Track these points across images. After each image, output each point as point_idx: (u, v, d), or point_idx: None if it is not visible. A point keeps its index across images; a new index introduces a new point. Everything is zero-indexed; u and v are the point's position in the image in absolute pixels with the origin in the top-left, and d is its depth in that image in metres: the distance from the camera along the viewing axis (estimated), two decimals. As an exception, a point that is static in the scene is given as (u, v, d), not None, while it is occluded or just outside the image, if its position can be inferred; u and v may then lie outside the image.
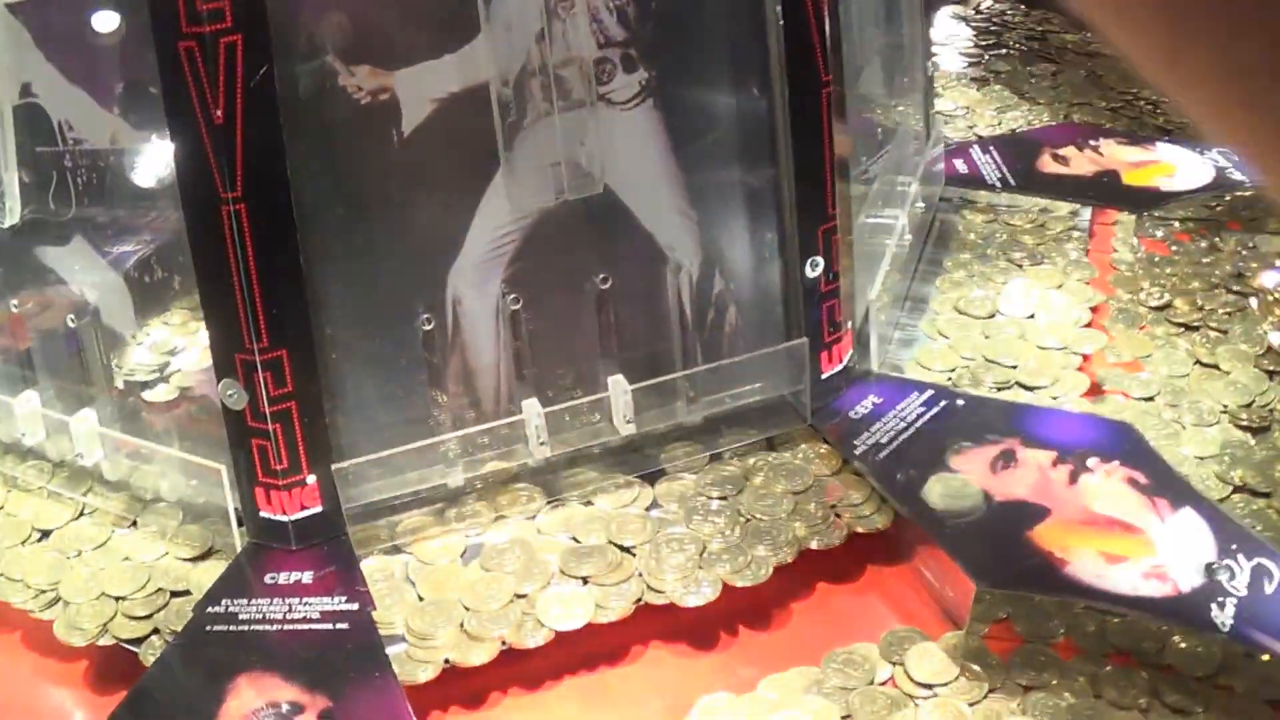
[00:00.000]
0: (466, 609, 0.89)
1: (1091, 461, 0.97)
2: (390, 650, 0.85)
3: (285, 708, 0.82)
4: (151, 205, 0.93)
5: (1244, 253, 1.27)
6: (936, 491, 0.95)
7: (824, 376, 1.01)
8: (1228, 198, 1.35)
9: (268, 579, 0.90)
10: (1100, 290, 1.23)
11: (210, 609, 0.88)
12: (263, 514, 0.91)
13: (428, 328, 0.92)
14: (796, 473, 0.99)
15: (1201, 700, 0.87)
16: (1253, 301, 1.20)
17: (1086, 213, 1.33)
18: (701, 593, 0.90)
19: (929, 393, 1.03)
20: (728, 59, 0.95)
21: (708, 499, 0.97)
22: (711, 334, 0.99)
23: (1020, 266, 1.27)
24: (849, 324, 1.01)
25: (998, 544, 0.91)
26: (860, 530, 0.95)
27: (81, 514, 0.99)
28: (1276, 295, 1.20)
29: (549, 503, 0.96)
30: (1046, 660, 0.90)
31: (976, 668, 0.89)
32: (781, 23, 0.92)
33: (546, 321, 0.95)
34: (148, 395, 1.01)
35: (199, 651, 0.86)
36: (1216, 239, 1.30)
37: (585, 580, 0.91)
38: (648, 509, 0.96)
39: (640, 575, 0.91)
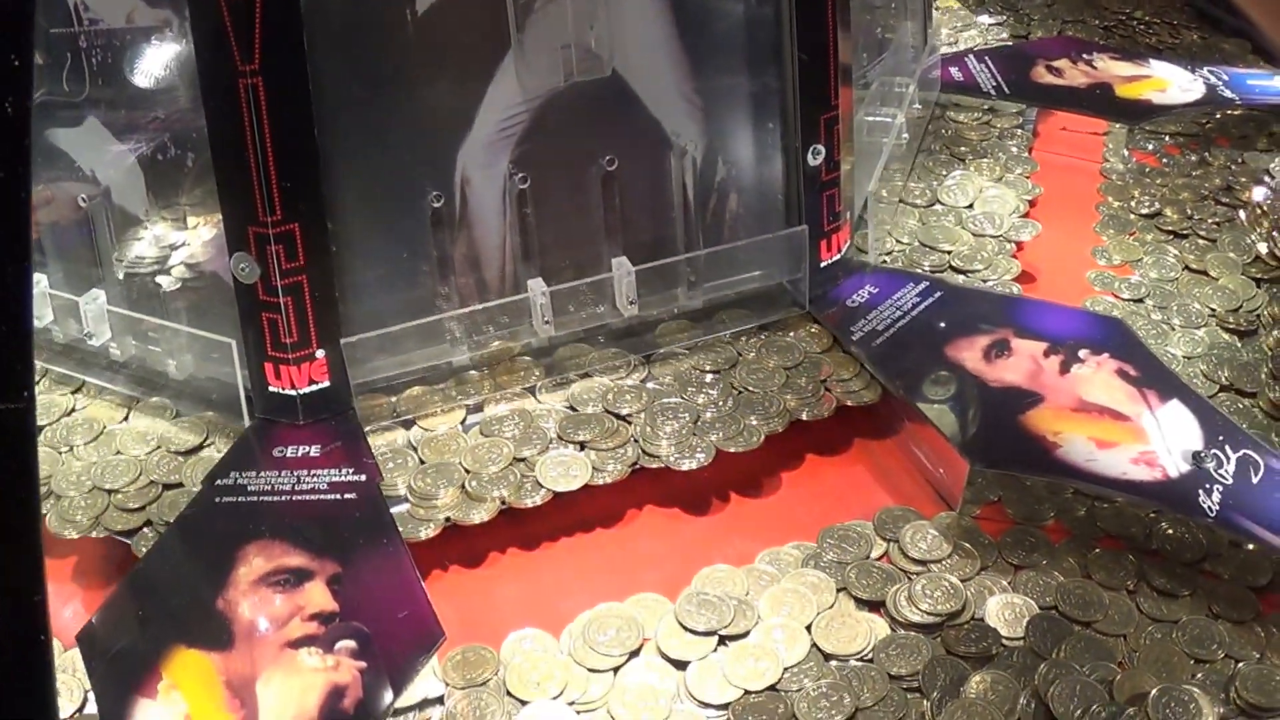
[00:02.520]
0: (467, 471, 0.92)
1: (1083, 353, 1.00)
2: (394, 509, 0.88)
3: (294, 573, 0.84)
4: (167, 83, 0.95)
5: (1233, 168, 1.31)
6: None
7: (823, 265, 1.04)
8: (1218, 115, 1.38)
9: (276, 452, 0.93)
10: (1041, 184, 1.27)
11: (220, 481, 0.91)
12: (271, 389, 0.94)
13: (436, 206, 0.95)
14: (788, 350, 1.02)
15: (1187, 584, 0.91)
16: (1241, 214, 1.24)
17: (1032, 114, 1.38)
18: (696, 458, 0.94)
19: (925, 284, 1.06)
20: (737, -53, 0.98)
21: (701, 373, 1.01)
22: (714, 219, 1.02)
23: (963, 161, 1.31)
24: (848, 215, 1.05)
25: (991, 427, 0.94)
26: (849, 404, 0.99)
27: (73, 410, 1.02)
28: (1264, 208, 1.24)
29: (550, 380, 1.00)
30: (1036, 541, 0.94)
31: (968, 546, 0.93)
32: (788, -88, 0.95)
33: (552, 202, 0.98)
34: (160, 279, 1.03)
35: (209, 522, 0.89)
36: (1206, 154, 1.33)
37: (582, 445, 0.94)
38: (643, 381, 1.00)
39: (636, 441, 0.95)
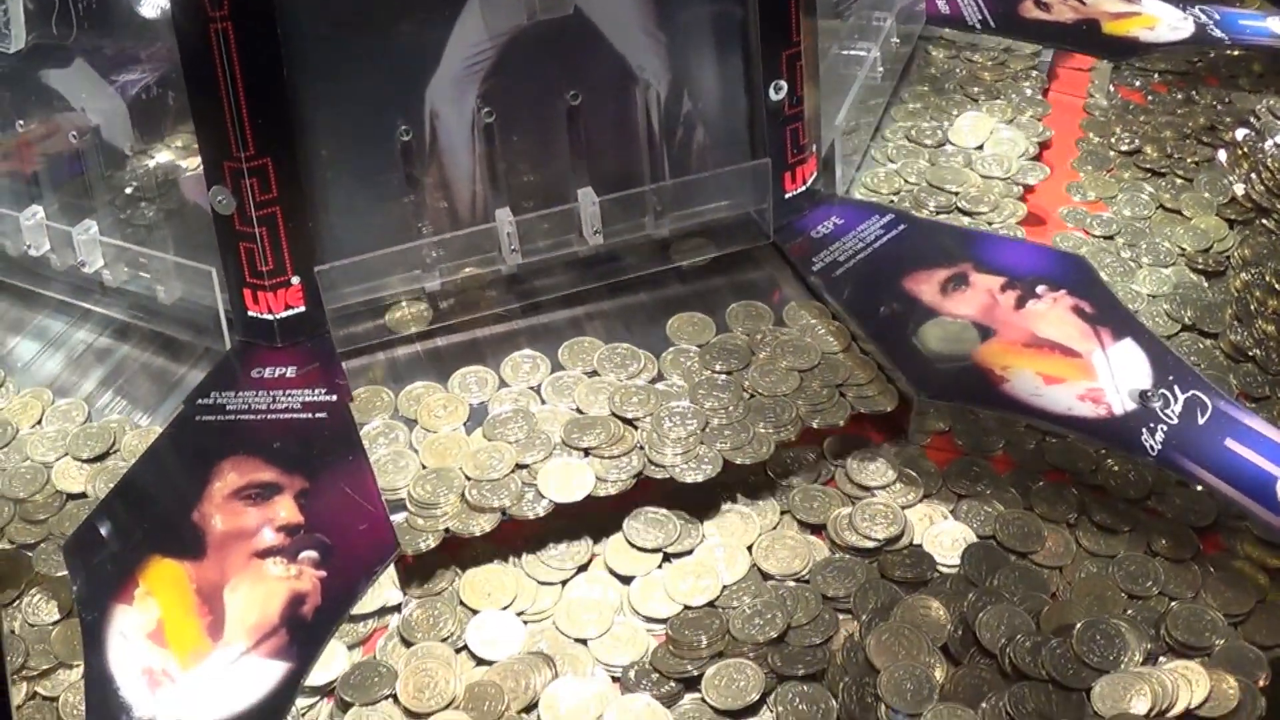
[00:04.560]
0: (468, 479, 0.94)
1: (1040, 289, 1.03)
2: (393, 517, 0.90)
3: (265, 488, 0.90)
4: (147, 27, 1.01)
5: (1219, 108, 1.33)
6: (934, 336, 1.01)
7: (787, 196, 1.08)
8: (1211, 54, 1.40)
9: (254, 374, 0.98)
10: (1053, 127, 1.29)
11: (200, 401, 0.97)
12: (250, 313, 1.00)
13: (406, 139, 1.00)
14: (803, 351, 1.03)
15: (1128, 521, 0.95)
16: (1221, 154, 1.26)
17: (1049, 55, 1.40)
18: (703, 469, 0.94)
19: (889, 216, 1.10)
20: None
21: (713, 374, 1.01)
22: (680, 152, 1.06)
23: (975, 101, 1.34)
24: (814, 148, 1.08)
25: (940, 359, 0.98)
26: (863, 410, 0.99)
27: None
28: (1246, 149, 1.25)
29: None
30: (981, 472, 0.98)
31: (913, 474, 0.97)
32: None
33: (519, 135, 1.02)
34: (150, 212, 1.09)
35: (188, 439, 0.95)
36: (1194, 92, 1.36)
37: (586, 452, 0.95)
38: (652, 381, 1.01)
39: (642, 448, 0.95)
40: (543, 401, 0.99)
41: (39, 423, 1.03)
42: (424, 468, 0.95)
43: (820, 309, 1.05)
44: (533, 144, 1.03)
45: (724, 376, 1.01)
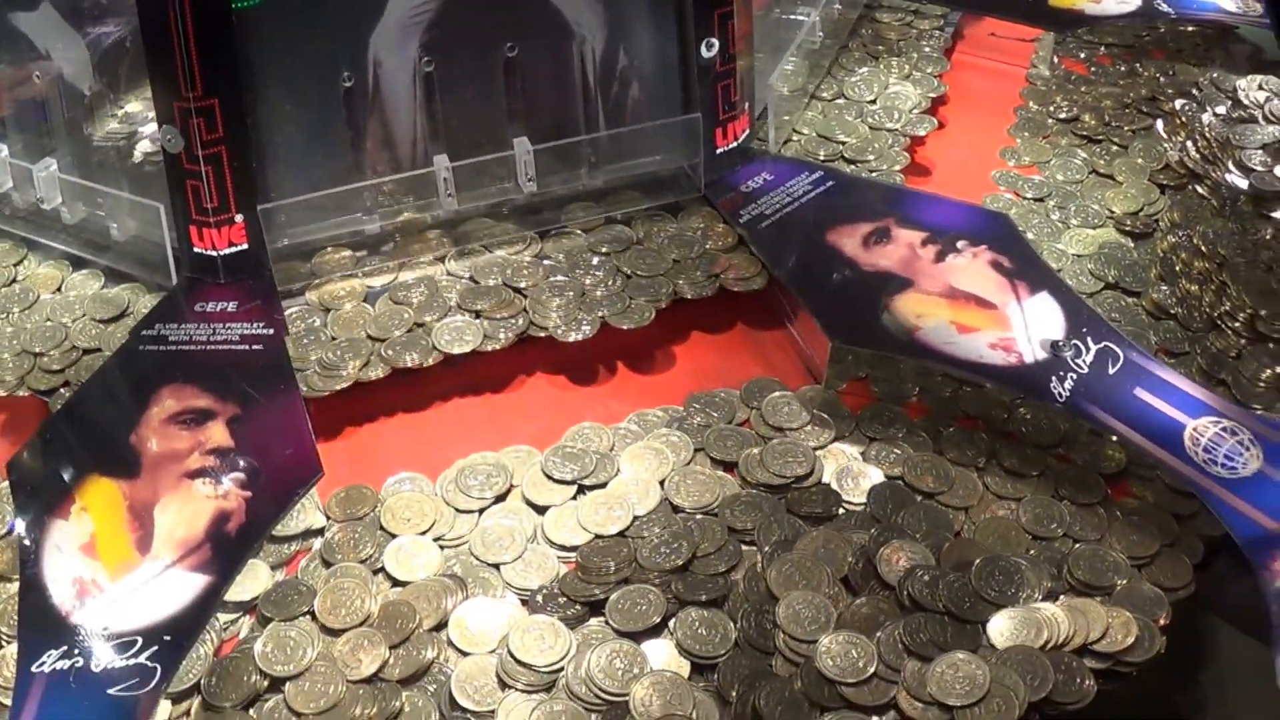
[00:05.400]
0: (371, 338, 1.01)
1: (961, 244, 1.07)
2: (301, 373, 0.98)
3: (199, 413, 0.94)
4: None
5: (1162, 80, 1.36)
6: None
7: (719, 151, 1.12)
8: (1161, 29, 1.43)
9: (197, 307, 1.03)
10: (993, 95, 1.33)
11: (144, 332, 1.01)
12: (196, 250, 1.04)
13: (348, 85, 1.04)
14: (688, 243, 1.09)
15: (1037, 466, 0.98)
16: (1159, 123, 1.29)
17: (955, 17, 1.43)
18: (581, 330, 1.02)
19: (819, 173, 1.13)
20: None
21: (592, 254, 1.09)
22: (615, 106, 1.10)
23: (876, 58, 1.38)
24: (746, 105, 1.12)
25: (857, 307, 1.02)
26: (737, 289, 1.06)
27: (14, 281, 1.11)
28: (1184, 119, 1.28)
29: (457, 250, 1.08)
30: (894, 417, 1.02)
31: (826, 416, 1.01)
32: None
33: (459, 85, 1.06)
34: (112, 144, 1.14)
35: (131, 367, 0.99)
36: (1137, 65, 1.39)
37: (478, 314, 1.03)
38: (538, 257, 1.08)
39: (526, 312, 1.03)
40: (447, 273, 1.07)
41: (59, 290, 1.10)
42: (333, 339, 1.02)
43: (713, 214, 1.11)
44: (471, 94, 1.07)
45: (600, 257, 1.08)
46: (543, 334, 1.02)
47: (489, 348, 1.01)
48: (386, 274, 1.07)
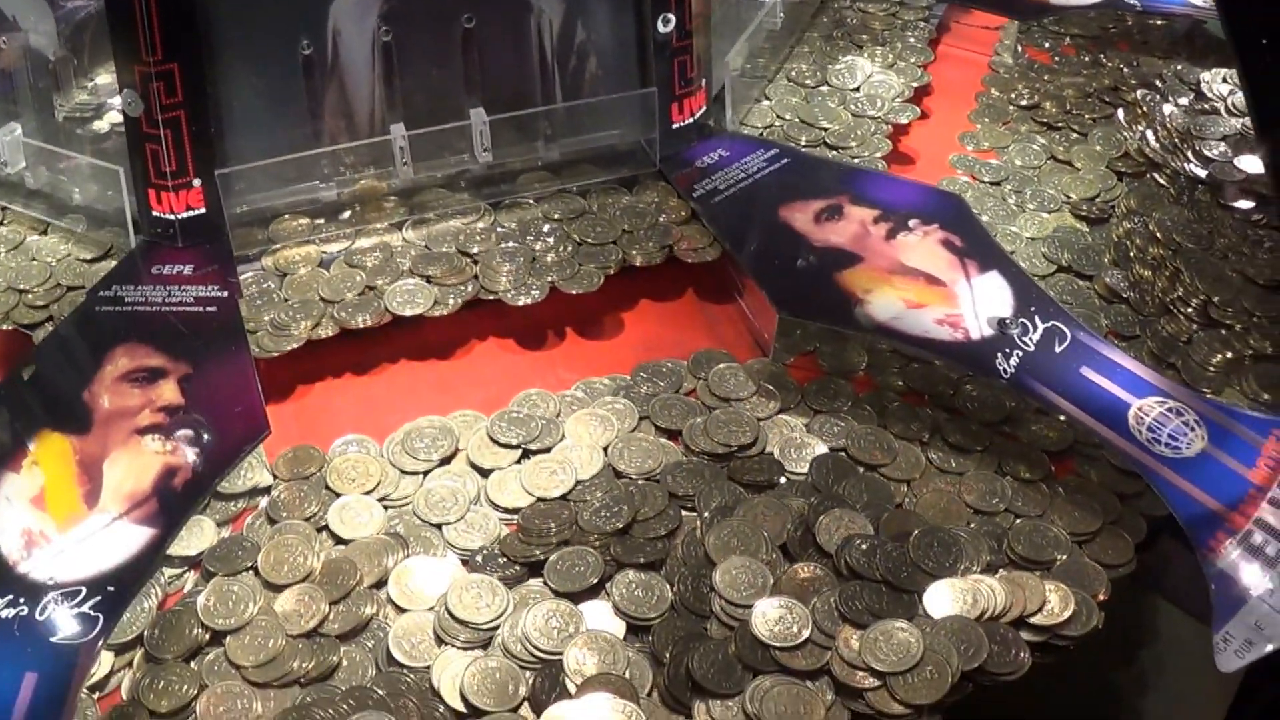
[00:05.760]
0: (323, 300, 1.03)
1: (913, 222, 1.09)
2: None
3: (151, 372, 0.97)
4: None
5: (1125, 71, 1.38)
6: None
7: (675, 126, 1.14)
8: (1129, 21, 1.45)
9: (154, 270, 1.05)
10: (955, 81, 1.35)
11: (102, 293, 1.04)
12: (154, 213, 1.06)
13: (307, 53, 1.06)
14: (640, 214, 1.12)
15: (981, 442, 1.00)
16: (1120, 111, 1.31)
17: (941, 9, 1.45)
18: (530, 294, 1.04)
19: (774, 150, 1.16)
20: None
21: (545, 221, 1.11)
22: (572, 80, 1.12)
23: (860, 48, 1.39)
24: (702, 82, 1.14)
25: (805, 281, 1.05)
26: (690, 260, 1.08)
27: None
28: (1145, 108, 1.30)
29: (414, 219, 1.10)
30: (840, 390, 1.04)
31: (772, 388, 1.03)
32: None
33: (417, 56, 1.08)
34: (86, 129, 1.16)
35: (88, 327, 1.02)
36: (1102, 56, 1.41)
37: (429, 279, 1.05)
38: (491, 225, 1.10)
39: (477, 278, 1.06)
40: (403, 239, 1.10)
41: (44, 232, 1.13)
42: (286, 300, 1.04)
43: (668, 189, 1.13)
44: (429, 64, 1.09)
45: (550, 224, 1.11)
46: (492, 298, 1.04)
47: (439, 312, 1.03)
48: (343, 240, 1.09)
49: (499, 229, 1.10)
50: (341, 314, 1.03)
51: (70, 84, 1.17)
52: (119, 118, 1.12)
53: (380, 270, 1.06)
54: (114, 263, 1.08)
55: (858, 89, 1.33)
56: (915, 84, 1.33)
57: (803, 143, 1.23)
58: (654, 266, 1.08)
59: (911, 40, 1.41)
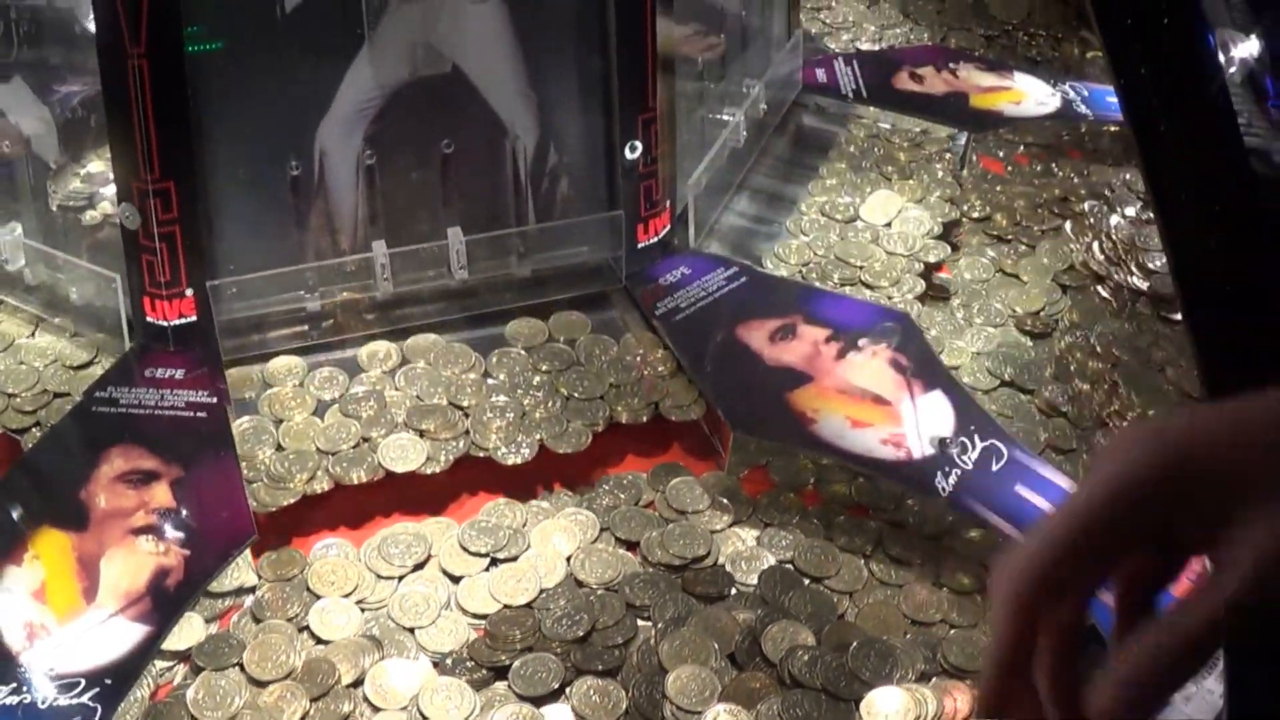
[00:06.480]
0: (319, 450, 1.13)
1: (862, 342, 1.20)
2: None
3: (145, 474, 1.08)
4: (77, 56, 1.20)
5: (1076, 180, 1.49)
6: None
7: (640, 246, 1.25)
8: (1083, 128, 1.56)
9: (147, 373, 1.16)
10: (955, 209, 1.43)
11: (97, 394, 1.14)
12: (148, 319, 1.17)
13: (295, 173, 1.17)
14: (627, 368, 1.21)
15: (921, 555, 1.11)
16: (1068, 224, 1.42)
17: (962, 137, 1.53)
18: (520, 453, 1.14)
19: (734, 269, 1.27)
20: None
21: (532, 373, 1.20)
22: (544, 201, 1.24)
23: (889, 179, 1.48)
24: (667, 203, 1.26)
25: (758, 400, 1.16)
26: (675, 419, 1.18)
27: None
28: (1092, 219, 1.42)
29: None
30: (790, 504, 1.14)
31: (726, 502, 1.14)
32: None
33: (399, 177, 1.20)
34: (79, 218, 1.27)
35: (83, 427, 1.13)
36: (1053, 165, 1.51)
37: (422, 433, 1.15)
38: (483, 375, 1.20)
39: (468, 433, 1.15)
40: (396, 388, 1.19)
41: (33, 335, 1.24)
42: (281, 449, 1.13)
43: (654, 340, 1.22)
44: (410, 185, 1.20)
45: (541, 375, 1.20)
46: (483, 454, 1.13)
47: (431, 469, 1.12)
48: (332, 364, 1.20)
49: (489, 380, 1.19)
50: (337, 469, 1.11)
51: (66, 175, 1.28)
52: (110, 208, 1.23)
53: (374, 421, 1.14)
54: (100, 370, 1.19)
55: (889, 224, 1.41)
56: (943, 219, 1.41)
57: (836, 279, 1.33)
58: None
59: (939, 173, 1.48)
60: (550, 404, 1.18)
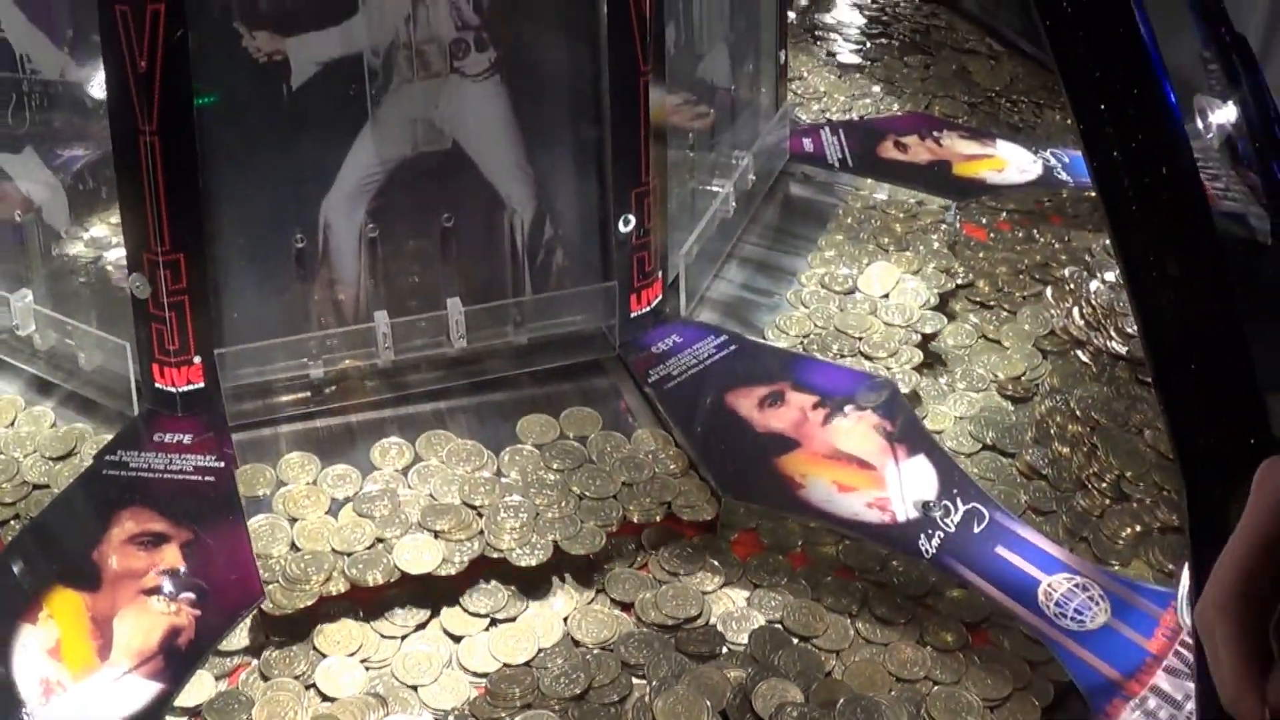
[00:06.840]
0: (334, 551, 1.17)
1: (848, 408, 1.26)
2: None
3: (155, 536, 1.14)
4: (88, 129, 1.26)
5: (1057, 246, 1.55)
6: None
7: (633, 315, 1.32)
8: (1064, 194, 1.63)
9: (156, 437, 1.22)
10: (951, 280, 1.49)
11: (108, 457, 1.20)
12: (157, 385, 1.23)
13: (300, 246, 1.24)
14: (639, 466, 1.25)
15: (905, 614, 1.16)
16: (1049, 289, 1.49)
17: (952, 207, 1.59)
18: (536, 555, 1.17)
19: (724, 337, 1.33)
20: (564, 45, 1.26)
21: (545, 472, 1.25)
22: (540, 271, 1.30)
23: (886, 251, 1.53)
24: (659, 273, 1.33)
25: (748, 466, 1.22)
26: (686, 519, 1.22)
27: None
28: (1073, 285, 1.49)
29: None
30: (779, 566, 1.20)
31: (716, 563, 1.20)
32: (607, 18, 1.23)
33: (399, 249, 1.27)
34: (82, 280, 1.33)
35: (94, 489, 1.19)
36: (1035, 231, 1.58)
37: (437, 534, 1.19)
38: (496, 474, 1.24)
39: (482, 533, 1.18)
40: (409, 487, 1.23)
41: (12, 424, 1.29)
42: (297, 549, 1.17)
43: (666, 437, 1.27)
44: (411, 257, 1.27)
45: (554, 474, 1.24)
46: (498, 555, 1.17)
47: (446, 571, 1.16)
48: (345, 461, 1.24)
49: (502, 479, 1.23)
50: (354, 570, 1.14)
51: (74, 240, 1.34)
52: (115, 272, 1.30)
53: (389, 521, 1.18)
54: (82, 464, 1.22)
55: (887, 295, 1.46)
56: (940, 290, 1.46)
57: (835, 350, 1.38)
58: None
59: (935, 244, 1.52)
60: (564, 504, 1.21)
